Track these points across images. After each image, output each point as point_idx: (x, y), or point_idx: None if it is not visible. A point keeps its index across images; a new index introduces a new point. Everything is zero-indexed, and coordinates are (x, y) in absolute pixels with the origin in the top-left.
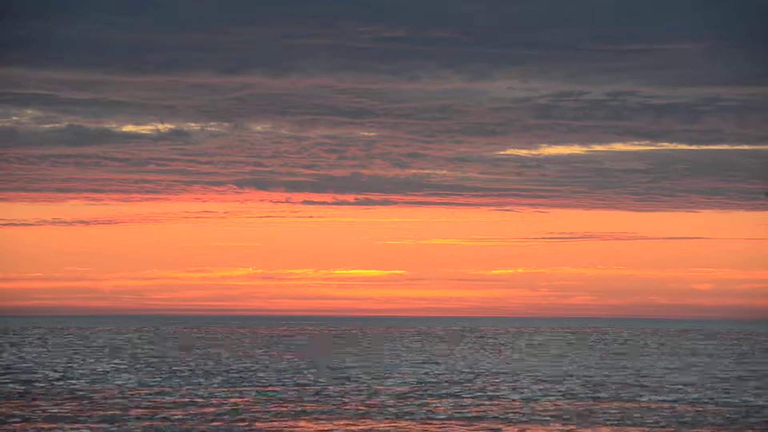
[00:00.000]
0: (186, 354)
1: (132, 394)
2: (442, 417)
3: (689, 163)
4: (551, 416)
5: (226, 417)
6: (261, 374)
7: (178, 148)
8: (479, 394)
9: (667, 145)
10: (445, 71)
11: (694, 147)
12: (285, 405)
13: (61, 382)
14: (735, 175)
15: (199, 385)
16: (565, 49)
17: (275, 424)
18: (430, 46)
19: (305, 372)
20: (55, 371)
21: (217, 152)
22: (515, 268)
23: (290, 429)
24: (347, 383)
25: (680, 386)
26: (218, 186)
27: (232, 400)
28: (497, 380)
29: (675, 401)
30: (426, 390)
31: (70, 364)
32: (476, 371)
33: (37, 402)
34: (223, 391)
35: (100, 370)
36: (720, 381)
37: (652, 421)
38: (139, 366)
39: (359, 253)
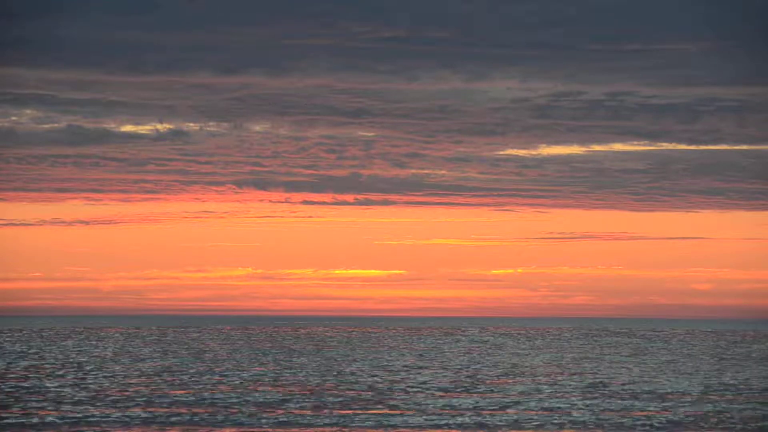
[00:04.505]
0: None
1: None
2: None
3: (689, 163)
4: None
5: None
6: None
7: (178, 148)
8: None
9: (666, 145)
10: (445, 71)
11: (693, 147)
12: None
13: None
14: (735, 175)
15: None
16: (565, 49)
17: None
18: (429, 46)
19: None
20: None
21: (217, 152)
22: (515, 268)
23: None
24: None
25: None
26: (217, 186)
27: None
28: None
29: None
30: None
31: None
32: None
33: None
34: None
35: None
36: None
37: None
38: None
39: (359, 253)
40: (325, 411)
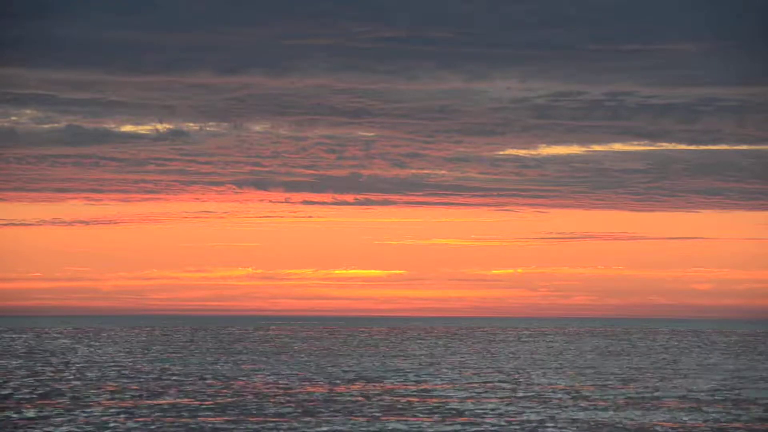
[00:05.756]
0: None
1: None
2: None
3: (688, 163)
4: None
5: None
6: None
7: (177, 148)
8: None
9: (666, 145)
10: (444, 71)
11: (693, 147)
12: None
13: None
14: (734, 175)
15: None
16: (565, 49)
17: None
18: (429, 46)
19: None
20: None
21: (216, 152)
22: (515, 268)
23: None
24: None
25: None
26: (217, 186)
27: None
28: None
29: None
30: None
31: None
32: None
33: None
34: None
35: None
36: None
37: None
38: None
39: (359, 253)
40: None
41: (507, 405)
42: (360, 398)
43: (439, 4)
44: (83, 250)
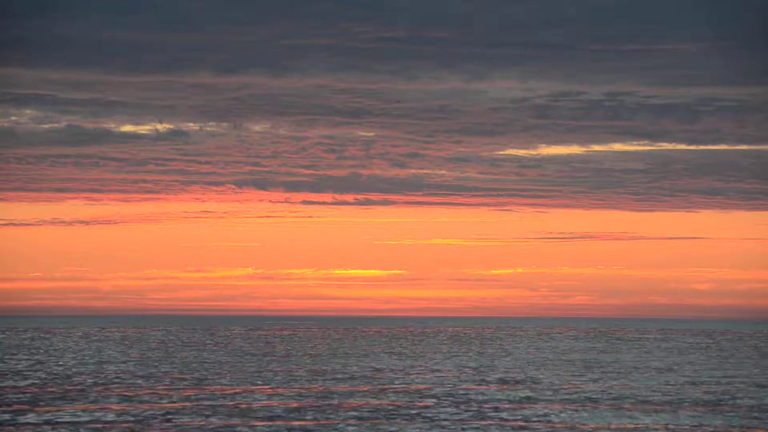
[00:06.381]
0: None
1: None
2: None
3: (688, 163)
4: None
5: None
6: None
7: (177, 148)
8: None
9: (666, 145)
10: (444, 71)
11: (693, 147)
12: None
13: None
14: (734, 175)
15: None
16: (565, 49)
17: None
18: (429, 46)
19: None
20: None
21: (216, 152)
22: (515, 268)
23: None
24: None
25: None
26: (217, 186)
27: None
28: None
29: None
30: None
31: None
32: None
33: None
34: None
35: None
36: None
37: None
38: None
39: (359, 253)
40: None
41: None
42: None
43: (439, 4)
44: (83, 250)
